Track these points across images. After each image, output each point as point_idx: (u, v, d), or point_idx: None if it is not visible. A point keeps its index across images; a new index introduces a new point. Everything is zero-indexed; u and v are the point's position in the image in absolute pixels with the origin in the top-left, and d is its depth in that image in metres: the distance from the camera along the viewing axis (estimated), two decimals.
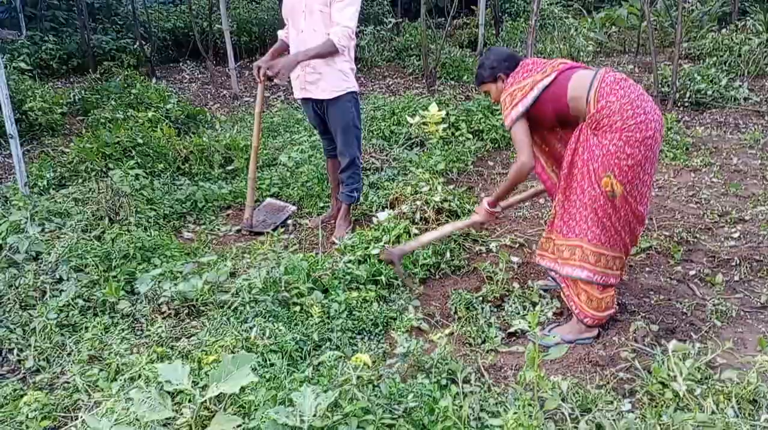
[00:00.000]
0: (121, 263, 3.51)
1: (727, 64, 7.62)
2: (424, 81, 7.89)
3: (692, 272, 3.60)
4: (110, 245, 3.64)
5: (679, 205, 4.41)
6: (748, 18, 8.64)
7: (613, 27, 10.33)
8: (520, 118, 2.90)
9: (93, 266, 3.43)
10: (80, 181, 4.72)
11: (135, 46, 8.94)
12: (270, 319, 3.01)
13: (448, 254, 3.76)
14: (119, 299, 3.20)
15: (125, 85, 7.08)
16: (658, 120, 2.82)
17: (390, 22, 10.27)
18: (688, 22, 9.01)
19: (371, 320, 3.13)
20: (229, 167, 5.24)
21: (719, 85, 6.80)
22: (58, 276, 3.38)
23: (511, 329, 2.91)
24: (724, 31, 8.20)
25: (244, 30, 9.52)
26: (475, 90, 7.60)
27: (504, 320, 3.17)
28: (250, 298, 3.12)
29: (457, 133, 5.77)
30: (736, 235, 3.97)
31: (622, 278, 3.19)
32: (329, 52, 3.67)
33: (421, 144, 5.65)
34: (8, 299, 3.20)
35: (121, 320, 3.09)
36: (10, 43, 8.10)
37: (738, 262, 3.64)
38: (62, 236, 3.74)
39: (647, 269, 3.64)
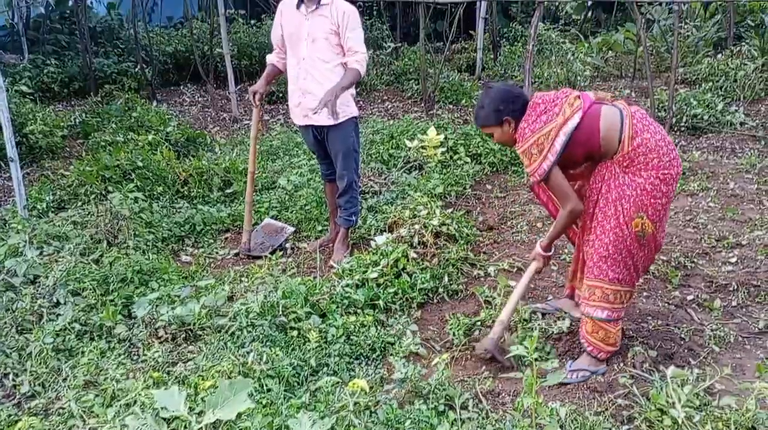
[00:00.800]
0: (118, 287, 3.51)
1: (722, 89, 7.68)
2: (422, 105, 7.95)
3: (690, 297, 3.60)
4: (108, 269, 3.64)
5: (677, 229, 4.42)
6: (743, 43, 8.72)
7: (610, 52, 10.44)
8: (553, 167, 2.72)
9: (90, 289, 3.43)
10: (79, 204, 4.73)
11: (136, 69, 9.01)
12: (267, 344, 3.00)
13: (446, 279, 3.76)
14: (116, 324, 3.19)
15: (126, 108, 7.13)
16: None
17: (389, 46, 10.37)
18: (684, 48, 9.10)
19: (369, 344, 3.13)
20: (228, 190, 5.26)
21: (715, 110, 6.85)
22: (55, 300, 3.37)
23: (509, 355, 2.89)
24: (719, 56, 8.29)
25: (245, 54, 9.60)
26: (473, 114, 7.66)
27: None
28: (247, 322, 3.12)
29: (455, 157, 5.80)
30: (733, 260, 3.97)
31: None
32: (357, 79, 3.77)
33: (419, 168, 5.68)
34: (5, 323, 3.20)
35: (118, 345, 3.09)
36: (12, 67, 8.16)
37: (736, 287, 3.64)
38: (60, 259, 3.74)
39: (645, 293, 3.64)
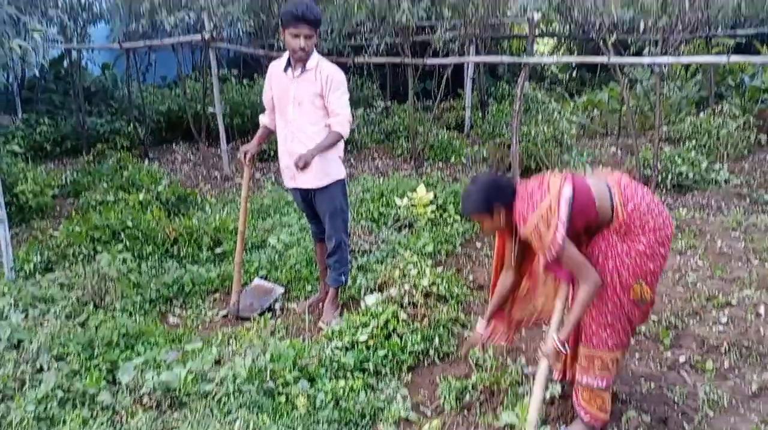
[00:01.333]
0: (103, 351, 3.45)
1: (706, 146, 7.83)
2: (412, 162, 8.04)
3: (682, 359, 3.57)
4: (94, 332, 3.59)
5: (667, 288, 4.43)
6: (724, 102, 8.95)
7: (595, 110, 10.67)
8: (566, 238, 2.60)
9: (75, 354, 3.36)
10: (67, 264, 4.69)
11: (129, 128, 9.11)
12: (254, 410, 2.94)
13: (436, 340, 3.72)
14: (100, 390, 3.12)
15: (117, 167, 7.17)
16: None
17: (379, 105, 10.56)
18: (667, 107, 9.32)
19: (358, 410, 3.07)
20: (218, 250, 5.24)
21: (700, 168, 6.96)
22: (38, 365, 3.30)
23: (500, 423, 2.84)
24: (702, 115, 8.48)
25: (237, 112, 9.72)
26: (462, 172, 7.76)
27: (495, 409, 3.11)
28: (234, 388, 3.06)
29: (445, 215, 5.84)
30: (724, 319, 3.97)
31: None
32: (337, 141, 3.78)
33: (409, 226, 5.70)
34: None
35: (101, 413, 3.01)
36: (5, 127, 8.23)
37: (727, 348, 3.63)
38: (45, 322, 3.69)
39: (637, 355, 3.61)
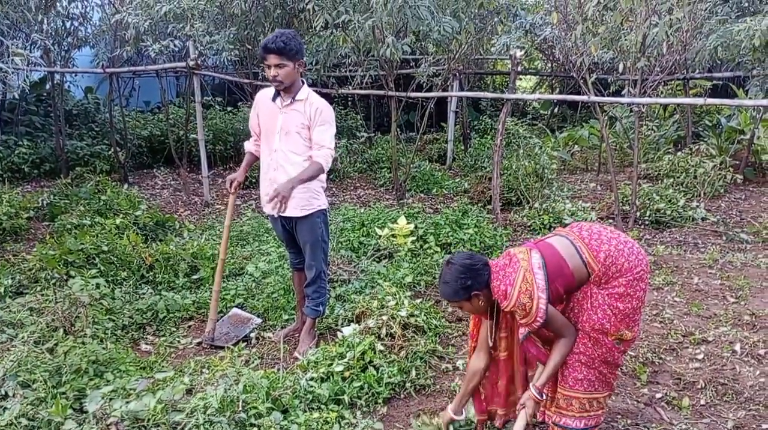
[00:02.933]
0: (71, 379, 3.35)
1: (684, 185, 7.96)
2: (394, 193, 8.06)
3: (659, 395, 3.56)
4: (62, 359, 3.49)
5: (644, 324, 4.43)
6: (701, 142, 9.13)
7: (576, 146, 10.82)
8: (548, 305, 2.62)
9: (41, 381, 3.26)
10: (39, 289, 4.58)
11: (110, 152, 9.04)
12: None
13: (413, 373, 3.68)
14: (65, 419, 3.02)
15: (95, 191, 7.09)
16: None
17: (363, 135, 10.62)
18: (646, 145, 9.48)
19: None
20: (195, 276, 5.17)
21: (677, 205, 7.06)
22: (3, 392, 3.20)
23: None
24: (679, 153, 8.63)
25: (220, 139, 9.73)
26: (443, 203, 7.78)
27: None
28: (204, 419, 2.98)
29: (425, 246, 5.83)
30: (700, 356, 3.98)
31: None
32: (318, 173, 3.75)
33: (389, 256, 5.68)
34: None
35: None
36: None
37: (703, 385, 3.63)
38: (12, 348, 3.58)
39: (615, 390, 3.59)
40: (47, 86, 9.52)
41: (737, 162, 8.71)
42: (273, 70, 3.65)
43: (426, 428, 3.17)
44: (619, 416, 3.33)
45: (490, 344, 2.97)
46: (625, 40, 6.12)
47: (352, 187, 8.86)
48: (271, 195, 3.57)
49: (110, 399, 3.16)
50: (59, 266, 4.82)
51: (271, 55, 3.63)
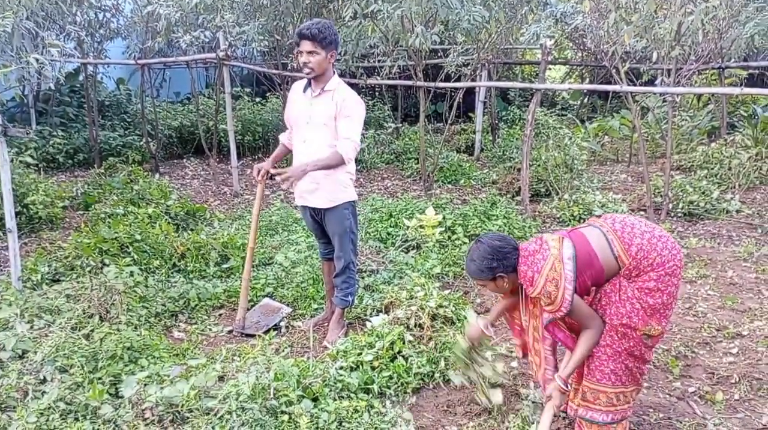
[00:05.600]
0: (107, 364, 3.42)
1: (717, 176, 7.80)
2: (421, 184, 8.04)
3: (691, 389, 3.52)
4: (98, 345, 3.57)
5: (677, 317, 4.37)
6: (736, 133, 8.93)
7: (606, 137, 10.67)
8: (574, 295, 2.63)
9: (78, 366, 3.34)
10: (75, 276, 4.69)
11: (141, 142, 9.18)
12: (257, 429, 2.91)
13: (442, 363, 3.68)
14: (102, 403, 3.10)
15: (128, 181, 7.21)
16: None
17: (390, 126, 10.61)
18: (678, 135, 9.31)
19: None
20: (225, 265, 5.24)
21: (711, 197, 6.92)
22: (42, 376, 3.29)
23: None
24: (713, 144, 8.46)
25: (248, 130, 9.80)
26: (471, 194, 7.75)
27: None
28: (237, 405, 3.02)
29: (453, 237, 5.81)
30: (734, 350, 3.91)
31: None
32: (337, 163, 3.73)
33: (417, 247, 5.68)
34: None
35: (103, 426, 2.98)
36: (18, 138, 8.31)
37: (738, 379, 3.57)
38: (50, 333, 3.68)
39: (646, 384, 3.55)
40: (80, 77, 9.69)
41: None
42: (305, 56, 3.66)
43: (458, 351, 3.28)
44: (651, 410, 3.29)
45: (521, 321, 3.03)
46: (660, 28, 6.00)
47: (379, 178, 8.87)
48: (283, 176, 3.59)
49: (145, 385, 3.22)
50: (94, 254, 4.92)
51: (305, 41, 3.64)
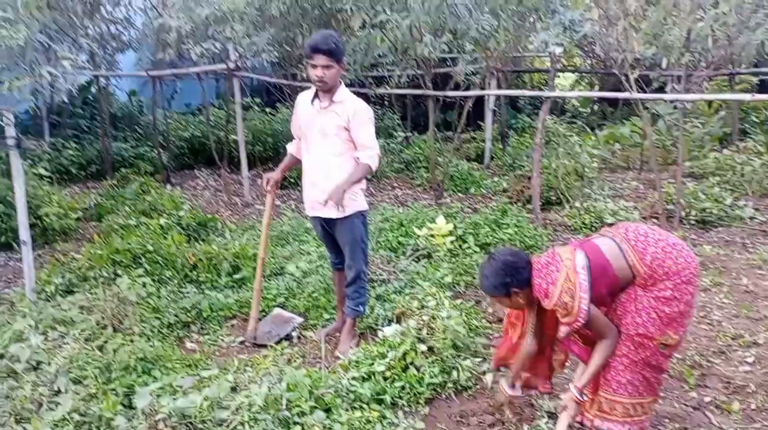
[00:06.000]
0: (120, 375, 3.44)
1: (730, 183, 7.75)
2: (432, 193, 8.04)
3: (707, 399, 3.48)
4: (111, 356, 3.59)
5: (691, 326, 4.33)
6: (748, 139, 8.87)
7: (617, 144, 10.62)
8: (590, 305, 2.62)
9: (92, 378, 3.36)
10: (88, 287, 4.71)
11: (153, 153, 9.24)
12: None
13: (455, 373, 3.67)
14: (116, 415, 3.11)
15: (140, 192, 7.26)
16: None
17: (400, 135, 10.62)
18: (690, 142, 9.26)
19: None
20: (237, 276, 5.25)
21: (724, 204, 6.88)
22: (56, 388, 3.31)
23: None
24: (725, 151, 8.41)
25: (259, 140, 9.83)
26: (482, 203, 7.74)
27: None
28: (249, 416, 3.03)
29: (464, 246, 5.80)
30: (750, 359, 3.88)
31: None
32: (366, 174, 3.83)
33: (428, 256, 5.67)
34: (4, 411, 3.12)
35: None
36: (32, 150, 8.40)
37: (754, 389, 3.54)
38: (64, 345, 3.70)
39: (662, 394, 3.51)
40: (93, 90, 9.78)
41: None
42: (319, 70, 3.68)
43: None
44: (667, 420, 3.26)
45: (529, 341, 3.00)
46: (669, 35, 5.99)
47: (389, 187, 8.88)
48: (325, 199, 3.62)
49: (158, 396, 3.23)
50: (107, 265, 4.95)
51: (319, 56, 3.66)
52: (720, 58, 6.22)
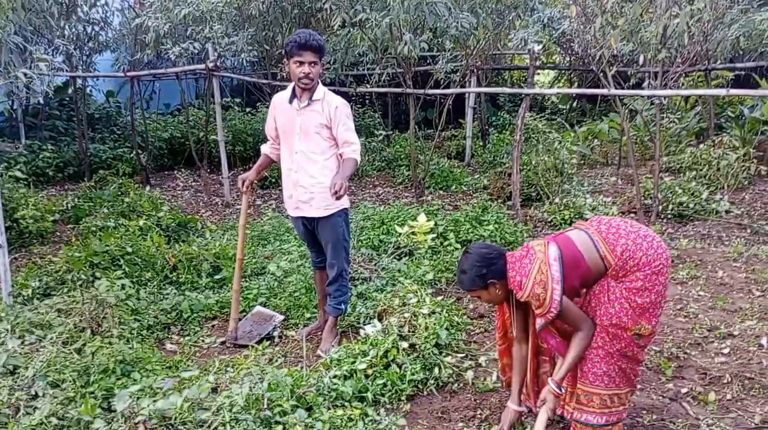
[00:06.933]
0: (99, 378, 3.41)
1: (706, 177, 7.85)
2: (413, 191, 8.06)
3: (684, 390, 3.53)
4: (90, 359, 3.55)
5: (668, 319, 4.40)
6: (724, 134, 8.99)
7: (596, 140, 10.72)
8: (563, 296, 2.66)
9: (70, 381, 3.32)
10: (66, 290, 4.66)
11: (131, 154, 9.16)
12: None
13: (436, 370, 3.69)
14: (94, 418, 3.08)
15: (118, 193, 7.19)
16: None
17: (381, 134, 10.63)
18: (667, 137, 9.37)
19: None
20: (217, 276, 5.22)
21: (700, 198, 6.97)
22: (33, 392, 3.26)
23: None
24: (702, 146, 8.51)
25: (239, 140, 9.80)
26: (463, 200, 7.77)
27: None
28: (230, 416, 3.01)
29: (445, 243, 5.82)
30: (726, 350, 3.94)
31: None
32: (355, 167, 3.85)
33: (409, 254, 5.69)
34: None
35: None
36: (8, 153, 8.29)
37: (730, 379, 3.59)
38: (42, 349, 3.65)
39: (639, 386, 3.56)
40: (69, 91, 9.67)
41: (761, 153, 8.57)
42: (306, 67, 3.69)
43: None
44: (644, 412, 3.31)
45: (511, 334, 3.00)
46: (646, 31, 6.06)
47: (371, 186, 8.88)
48: (334, 190, 3.51)
49: (138, 398, 3.20)
50: (85, 267, 4.90)
51: (307, 53, 3.67)
52: (696, 54, 6.30)
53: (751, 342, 4.01)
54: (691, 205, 6.86)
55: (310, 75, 3.72)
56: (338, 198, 3.54)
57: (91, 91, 10.24)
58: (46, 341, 3.76)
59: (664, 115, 9.51)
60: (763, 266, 5.31)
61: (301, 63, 3.70)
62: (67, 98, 9.99)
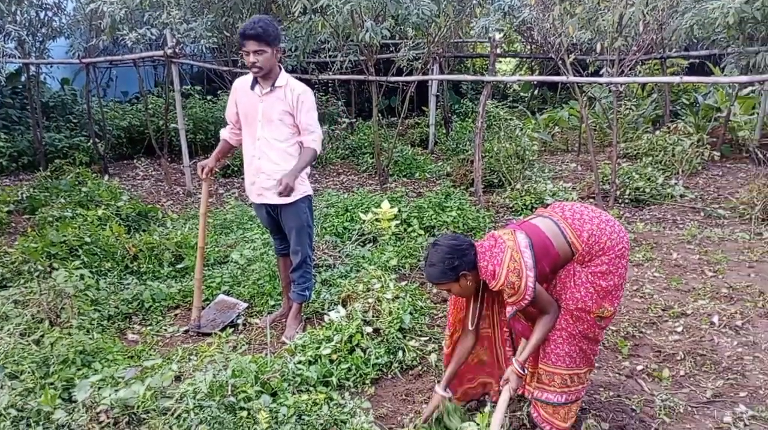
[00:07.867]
0: (59, 369, 3.35)
1: (662, 163, 8.06)
2: (377, 178, 8.08)
3: (640, 367, 3.65)
4: (49, 350, 3.49)
5: (625, 299, 4.52)
6: (679, 120, 9.23)
7: (556, 127, 10.90)
8: (536, 283, 2.66)
9: (29, 372, 3.27)
10: (22, 281, 4.56)
11: (88, 143, 8.96)
12: (215, 426, 2.89)
13: (400, 353, 3.73)
14: (55, 408, 3.03)
15: (76, 183, 7.03)
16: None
17: (344, 122, 10.61)
18: (624, 124, 9.58)
19: (321, 424, 3.05)
20: (179, 265, 5.17)
21: (656, 183, 7.16)
22: None
23: None
24: (658, 132, 8.73)
25: (200, 128, 9.66)
26: (426, 187, 7.83)
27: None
28: (194, 404, 3.00)
29: (409, 229, 5.87)
30: (679, 329, 4.07)
31: None
32: (314, 158, 3.84)
33: (373, 240, 5.71)
34: None
35: None
36: None
37: (683, 356, 3.72)
38: None
39: (597, 364, 3.67)
40: (23, 78, 9.39)
41: (714, 139, 8.84)
42: (252, 56, 3.65)
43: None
44: (602, 389, 3.41)
45: (470, 328, 3.01)
46: (602, 20, 6.17)
47: (335, 174, 8.87)
48: (279, 190, 3.57)
49: (99, 388, 3.16)
50: (42, 258, 4.79)
51: (249, 42, 3.63)
52: (651, 42, 6.44)
53: (704, 320, 4.16)
54: (648, 190, 7.04)
55: (257, 64, 3.67)
56: (286, 196, 3.60)
57: (45, 78, 9.96)
58: (2, 333, 3.69)
59: (622, 102, 9.71)
60: (715, 247, 5.50)
61: (247, 53, 3.68)
62: (20, 86, 9.70)
